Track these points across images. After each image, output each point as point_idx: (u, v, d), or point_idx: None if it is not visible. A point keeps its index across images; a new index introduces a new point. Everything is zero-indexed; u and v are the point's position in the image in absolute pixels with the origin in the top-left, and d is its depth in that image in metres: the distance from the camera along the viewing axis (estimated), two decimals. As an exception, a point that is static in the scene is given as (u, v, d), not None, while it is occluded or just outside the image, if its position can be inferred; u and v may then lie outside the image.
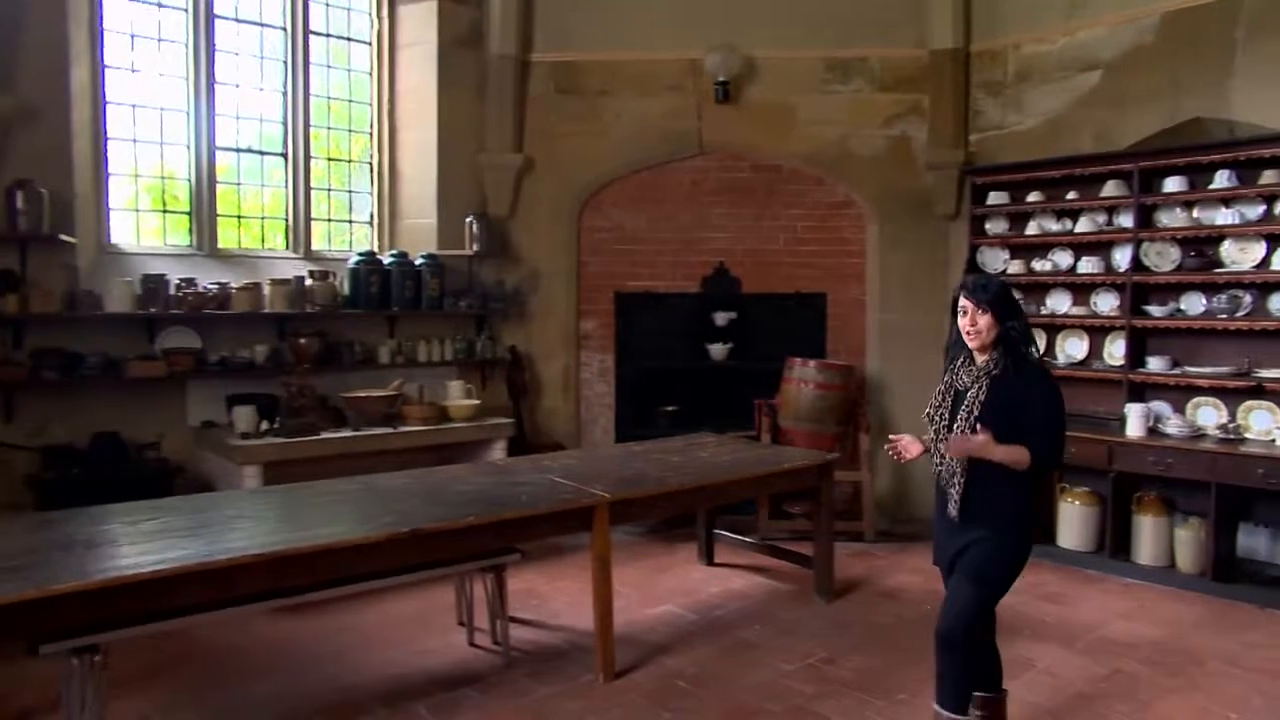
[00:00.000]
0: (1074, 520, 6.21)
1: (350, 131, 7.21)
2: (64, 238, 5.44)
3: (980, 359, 3.35)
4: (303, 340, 6.13)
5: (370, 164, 7.28)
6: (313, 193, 6.96)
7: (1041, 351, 3.60)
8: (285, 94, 6.83)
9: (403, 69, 7.26)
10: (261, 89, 6.74)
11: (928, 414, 3.47)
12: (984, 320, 3.26)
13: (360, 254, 6.69)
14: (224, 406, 5.89)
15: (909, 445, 3.55)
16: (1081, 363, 6.42)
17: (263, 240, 6.82)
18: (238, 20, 6.61)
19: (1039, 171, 6.54)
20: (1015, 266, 6.72)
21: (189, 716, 4.01)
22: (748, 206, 7.35)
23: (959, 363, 3.42)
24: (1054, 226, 6.59)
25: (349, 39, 7.17)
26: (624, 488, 4.51)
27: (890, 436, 3.63)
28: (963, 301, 3.33)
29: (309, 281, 6.33)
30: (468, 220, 7.04)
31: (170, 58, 6.30)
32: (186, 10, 6.34)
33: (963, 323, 3.33)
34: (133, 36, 6.13)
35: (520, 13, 7.13)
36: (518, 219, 7.36)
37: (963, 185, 7.04)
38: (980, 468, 3.27)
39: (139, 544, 3.58)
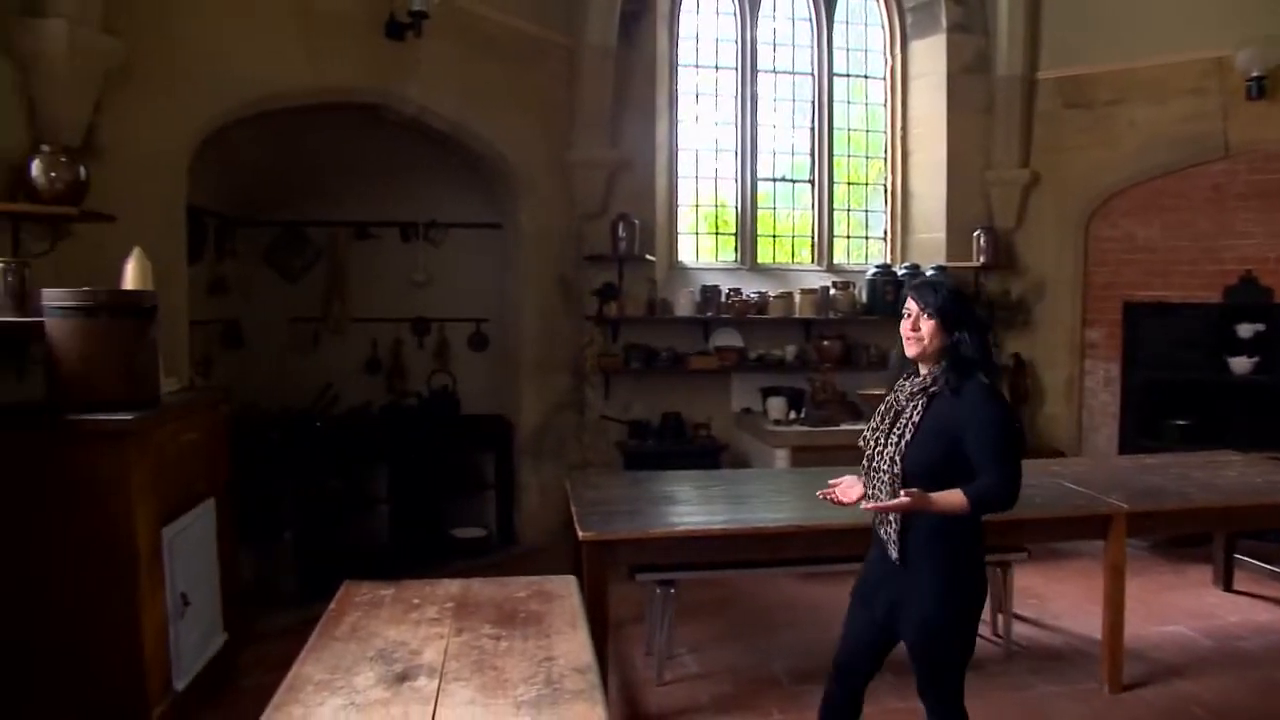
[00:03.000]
0: None
1: (867, 158, 7.37)
2: (648, 257, 6.32)
3: (923, 373, 2.60)
4: (826, 342, 6.44)
5: (884, 185, 7.37)
6: (834, 213, 7.25)
7: (999, 377, 2.55)
8: (812, 129, 7.19)
9: (914, 98, 7.23)
10: (793, 126, 7.16)
11: (864, 435, 2.71)
12: (927, 326, 2.55)
13: (877, 266, 6.85)
14: (759, 397, 6.37)
15: (847, 489, 2.72)
16: None
17: (792, 255, 7.24)
18: (774, 72, 7.11)
19: None
20: None
21: (731, 647, 4.42)
22: (1285, 210, 6.21)
23: (905, 378, 2.68)
24: None
25: (865, 77, 7.33)
26: (1141, 500, 4.08)
27: (829, 481, 2.78)
28: (908, 303, 2.61)
29: (832, 291, 6.62)
30: (975, 234, 6.83)
31: (723, 108, 6.97)
32: (736, 69, 6.98)
33: (904, 326, 2.61)
34: (697, 95, 6.91)
35: (1027, 35, 6.74)
36: (1023, 231, 6.98)
37: None
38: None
39: (703, 505, 4.03)
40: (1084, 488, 4.26)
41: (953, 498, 2.45)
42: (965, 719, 2.66)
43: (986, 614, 4.54)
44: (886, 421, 2.63)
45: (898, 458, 2.52)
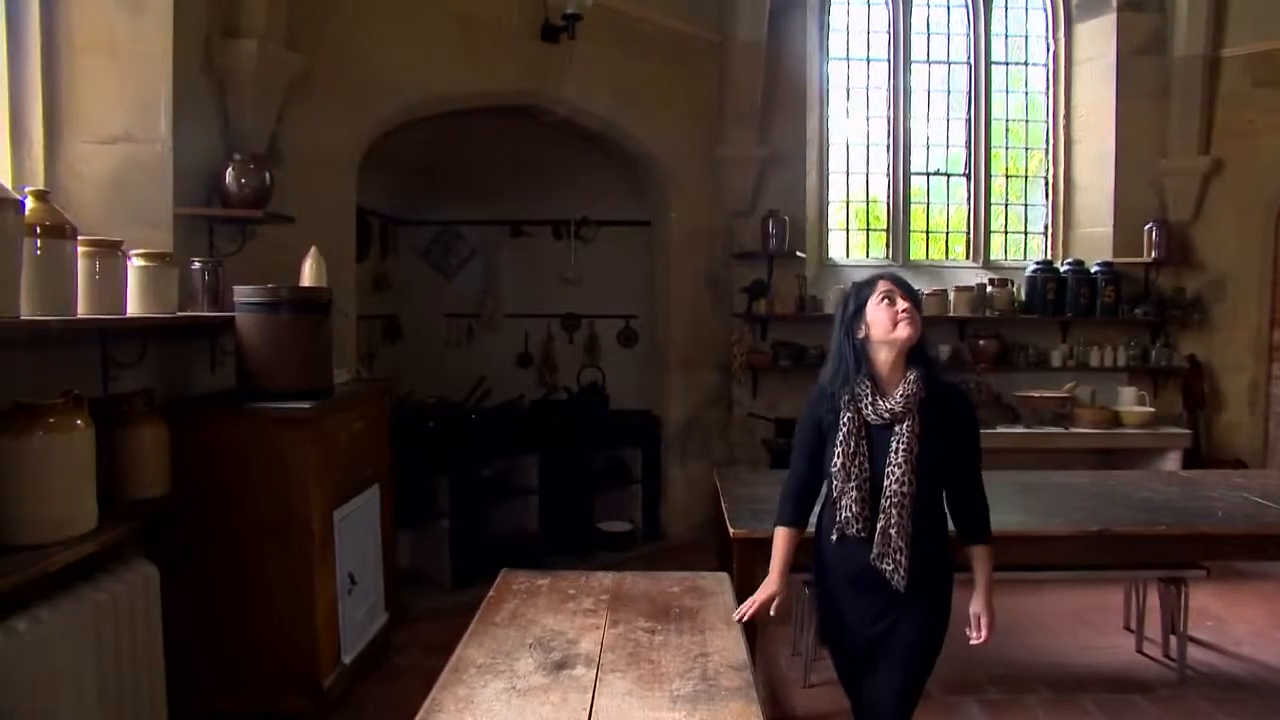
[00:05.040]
0: None
1: (1026, 149, 6.98)
2: (798, 254, 6.21)
3: (898, 386, 2.38)
4: (981, 341, 6.16)
5: (1045, 178, 6.96)
6: (991, 207, 6.92)
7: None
8: (968, 120, 6.87)
9: (1079, 84, 6.78)
10: (947, 118, 6.87)
11: (841, 466, 2.38)
12: (912, 309, 2.38)
13: (1037, 263, 6.48)
14: (906, 397, 6.16)
15: (764, 597, 2.58)
16: None
17: (946, 251, 6.96)
18: (928, 63, 6.84)
19: None
20: None
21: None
22: None
23: (864, 392, 2.38)
24: None
25: (1025, 64, 6.94)
26: (1344, 517, 3.68)
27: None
28: (884, 287, 2.39)
29: (989, 289, 6.32)
30: (1146, 227, 6.33)
31: (874, 101, 6.76)
32: (888, 61, 6.76)
33: (889, 313, 2.36)
34: (847, 90, 6.74)
35: (1211, 9, 6.18)
36: (1201, 224, 6.42)
37: None
38: (925, 525, 2.39)
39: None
40: (1275, 503, 3.87)
41: (987, 563, 2.53)
42: None
43: (1157, 634, 4.25)
44: (864, 444, 2.38)
45: (912, 477, 2.34)
